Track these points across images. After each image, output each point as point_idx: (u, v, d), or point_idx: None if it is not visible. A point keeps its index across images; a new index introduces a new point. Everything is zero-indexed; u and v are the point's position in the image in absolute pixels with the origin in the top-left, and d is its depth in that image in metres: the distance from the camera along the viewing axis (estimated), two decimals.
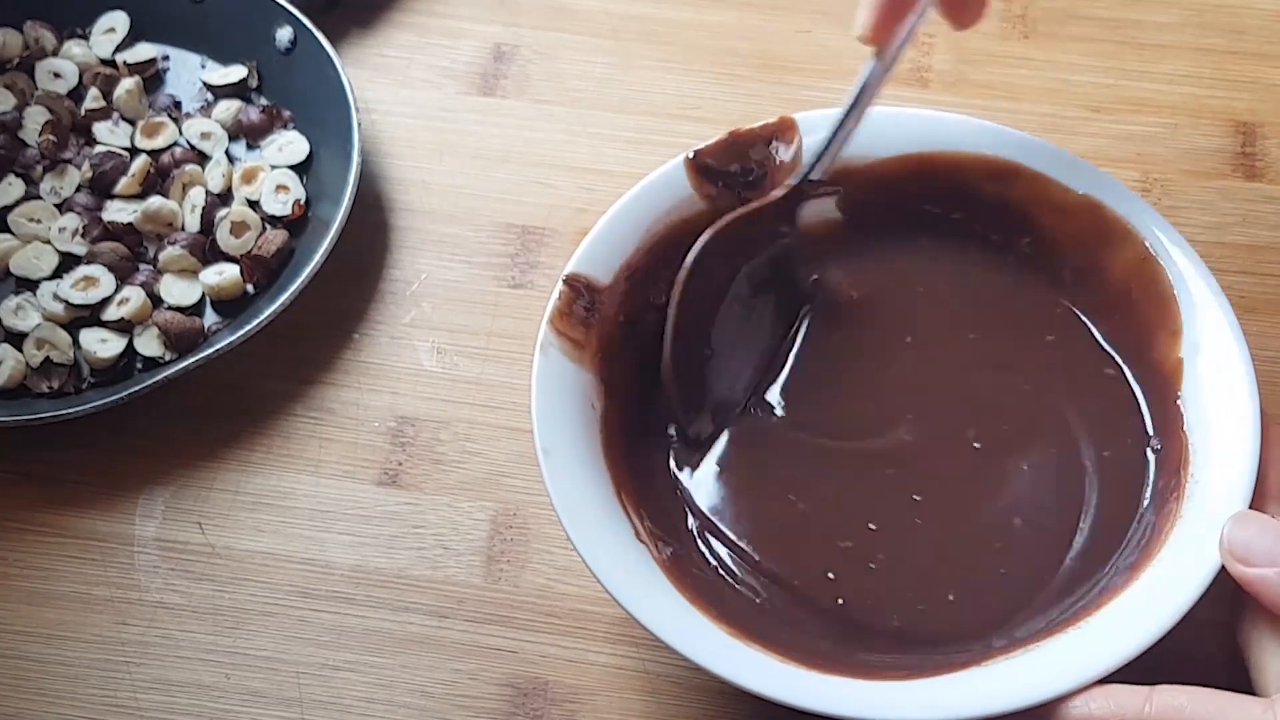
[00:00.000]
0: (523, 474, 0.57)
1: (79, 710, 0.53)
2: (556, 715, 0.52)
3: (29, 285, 0.62)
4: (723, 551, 0.51)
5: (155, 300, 0.61)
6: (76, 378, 0.60)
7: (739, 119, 0.57)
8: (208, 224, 0.63)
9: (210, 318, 0.61)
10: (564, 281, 0.53)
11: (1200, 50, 0.70)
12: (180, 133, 0.67)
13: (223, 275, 0.61)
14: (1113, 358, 0.55)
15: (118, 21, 0.70)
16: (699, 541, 0.51)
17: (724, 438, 0.54)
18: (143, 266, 0.62)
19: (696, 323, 0.54)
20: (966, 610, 0.49)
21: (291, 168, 0.65)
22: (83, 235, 0.63)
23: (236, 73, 0.68)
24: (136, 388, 0.57)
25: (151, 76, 0.69)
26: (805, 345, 0.56)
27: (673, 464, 0.53)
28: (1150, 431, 0.53)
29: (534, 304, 0.60)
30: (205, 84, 0.68)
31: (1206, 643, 0.47)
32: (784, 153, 0.57)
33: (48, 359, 0.59)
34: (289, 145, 0.66)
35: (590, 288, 0.53)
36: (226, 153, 0.66)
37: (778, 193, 0.55)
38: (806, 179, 0.55)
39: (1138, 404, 0.53)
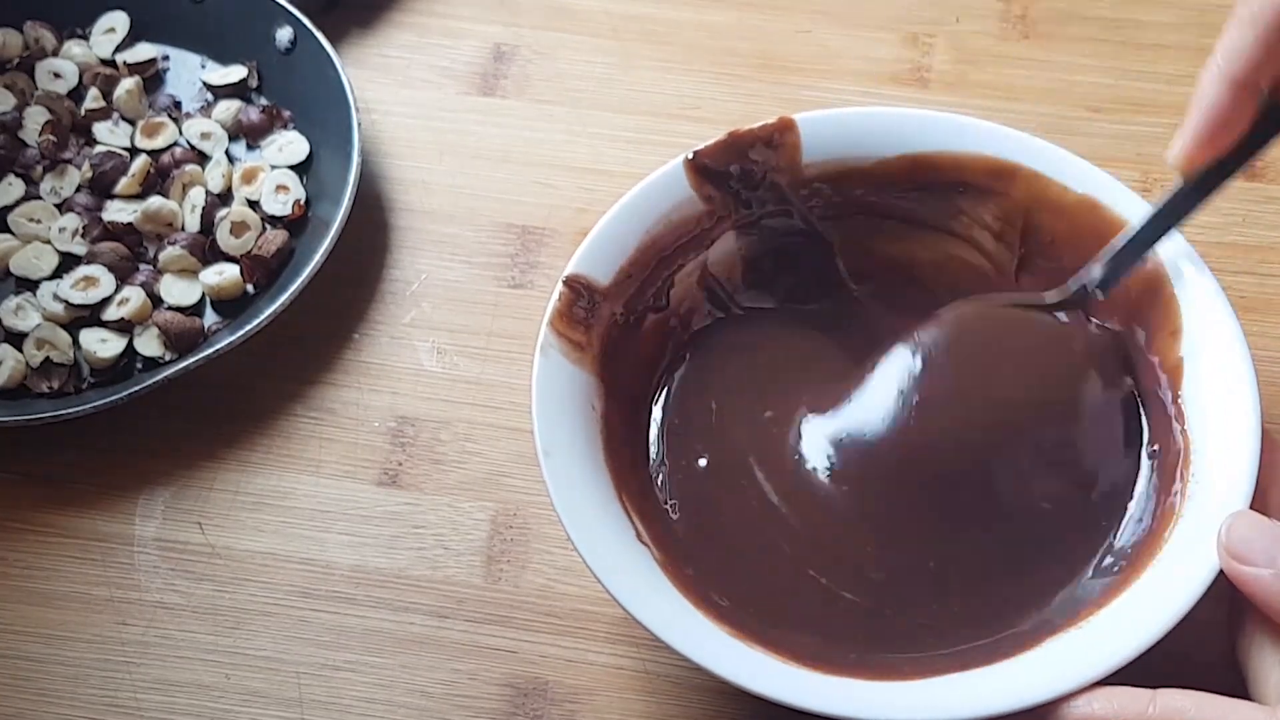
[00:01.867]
0: (523, 474, 0.57)
1: (79, 710, 0.53)
2: (556, 715, 0.52)
3: (29, 285, 0.62)
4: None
5: (155, 300, 0.61)
6: (76, 378, 0.60)
7: (739, 119, 0.57)
8: (208, 224, 0.63)
9: (210, 318, 0.61)
10: (564, 283, 0.53)
11: (1200, 50, 0.69)
12: (180, 133, 0.67)
13: (223, 275, 0.61)
14: (1112, 357, 0.55)
15: (118, 21, 0.70)
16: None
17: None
18: (143, 266, 0.62)
19: None
20: (965, 611, 0.49)
21: (291, 168, 0.65)
22: (83, 235, 0.63)
23: (236, 73, 0.68)
24: (136, 388, 0.57)
25: (151, 76, 0.69)
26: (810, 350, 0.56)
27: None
28: (1150, 431, 0.52)
29: (534, 304, 0.60)
30: (205, 84, 0.68)
31: (1207, 643, 0.47)
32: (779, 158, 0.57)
33: (48, 359, 0.59)
34: (289, 145, 0.66)
35: (590, 289, 0.53)
36: (226, 153, 0.66)
37: (1055, 295, 0.53)
38: (1085, 290, 0.53)
39: (1137, 404, 0.53)
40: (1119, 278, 0.53)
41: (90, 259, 0.62)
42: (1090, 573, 0.50)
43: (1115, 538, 0.51)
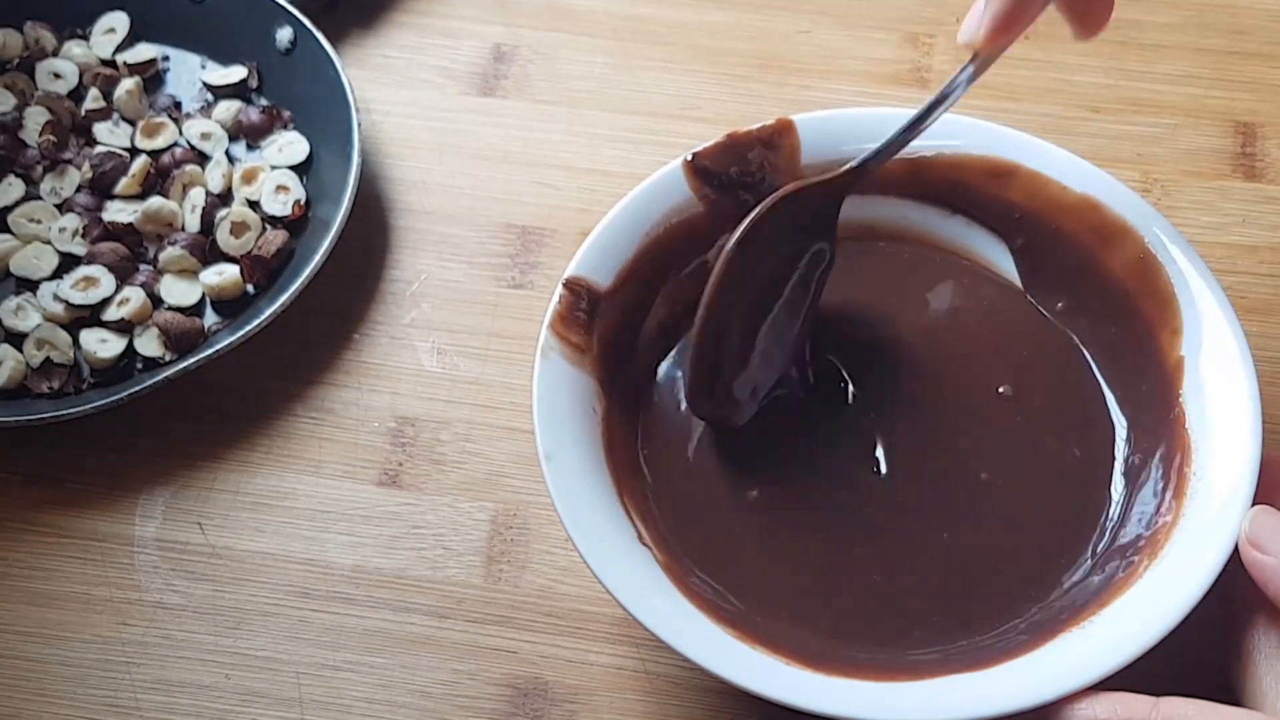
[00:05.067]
0: (523, 474, 0.57)
1: (79, 710, 0.53)
2: (556, 715, 0.52)
3: (29, 285, 0.62)
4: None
5: (155, 300, 0.61)
6: (76, 378, 0.60)
7: (739, 119, 0.57)
8: (208, 224, 0.63)
9: (210, 318, 0.61)
10: (564, 285, 0.53)
11: (1200, 50, 0.70)
12: (180, 133, 0.67)
13: (223, 275, 0.61)
14: (1112, 357, 0.55)
15: (118, 22, 0.70)
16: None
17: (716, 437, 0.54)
18: (143, 267, 0.62)
19: (733, 304, 0.52)
20: (965, 613, 0.49)
21: (291, 168, 0.65)
22: (83, 235, 0.63)
23: (236, 73, 0.68)
24: (136, 388, 0.57)
25: (151, 77, 0.69)
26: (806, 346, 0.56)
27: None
28: (1151, 430, 0.52)
29: (534, 304, 0.60)
30: (205, 84, 0.68)
31: (1207, 644, 0.47)
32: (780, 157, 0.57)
33: (48, 359, 0.59)
34: (289, 145, 0.66)
35: (590, 291, 0.53)
36: (226, 153, 0.66)
37: (831, 175, 0.53)
38: (866, 163, 0.53)
39: (1137, 403, 0.53)
40: (890, 153, 0.53)
41: (90, 259, 0.62)
42: (1090, 570, 0.50)
43: (1116, 538, 0.51)
